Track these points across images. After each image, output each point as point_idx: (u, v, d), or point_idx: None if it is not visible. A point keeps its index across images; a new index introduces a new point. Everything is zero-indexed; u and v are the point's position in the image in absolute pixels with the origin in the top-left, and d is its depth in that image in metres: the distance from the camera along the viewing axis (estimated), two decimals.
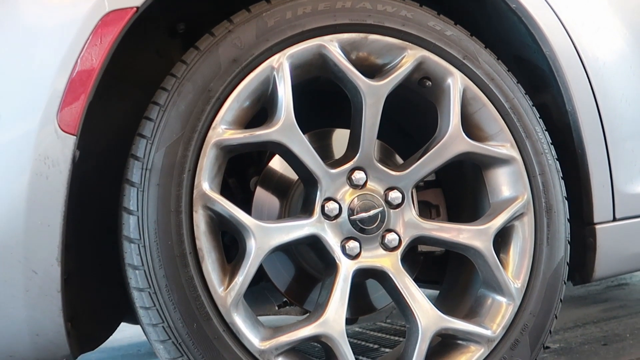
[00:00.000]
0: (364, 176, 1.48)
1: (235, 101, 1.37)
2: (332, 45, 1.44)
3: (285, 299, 1.78)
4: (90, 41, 1.26)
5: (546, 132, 1.59)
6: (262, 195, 1.62)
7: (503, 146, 1.55)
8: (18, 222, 1.22)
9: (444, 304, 1.63)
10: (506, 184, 1.56)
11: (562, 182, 1.59)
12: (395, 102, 1.51)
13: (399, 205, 1.50)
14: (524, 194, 1.54)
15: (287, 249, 1.63)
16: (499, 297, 1.53)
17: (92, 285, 1.51)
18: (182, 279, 1.30)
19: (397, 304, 1.51)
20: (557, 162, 1.59)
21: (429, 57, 1.51)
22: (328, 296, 1.42)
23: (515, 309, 1.52)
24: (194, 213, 1.33)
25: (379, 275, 1.49)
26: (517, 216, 1.54)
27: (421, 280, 1.80)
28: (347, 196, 1.47)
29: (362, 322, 2.73)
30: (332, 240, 1.45)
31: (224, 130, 1.36)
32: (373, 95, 1.45)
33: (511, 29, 1.66)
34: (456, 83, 1.52)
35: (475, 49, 1.55)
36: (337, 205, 1.45)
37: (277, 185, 1.63)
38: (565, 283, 1.58)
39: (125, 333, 2.50)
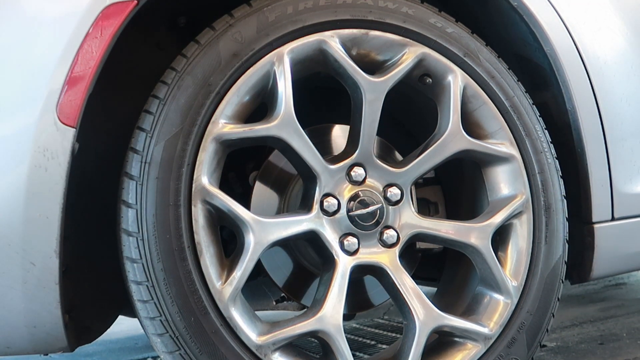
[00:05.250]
0: (363, 172, 1.48)
1: (235, 95, 1.37)
2: (333, 41, 1.44)
3: (283, 294, 1.78)
4: (91, 34, 1.26)
5: (546, 131, 1.59)
6: (261, 190, 1.62)
7: (502, 144, 1.55)
8: (17, 214, 1.22)
9: (442, 301, 1.63)
10: (505, 182, 1.56)
11: (561, 180, 1.59)
12: (395, 98, 1.51)
13: (397, 202, 1.50)
14: (522, 193, 1.55)
15: (285, 244, 1.63)
16: (496, 295, 1.53)
17: (90, 278, 1.51)
18: (180, 273, 1.30)
19: (395, 301, 1.51)
20: (557, 160, 1.59)
21: (430, 54, 1.51)
22: (326, 292, 1.42)
23: (513, 307, 1.52)
24: (192, 207, 1.33)
25: (377, 271, 1.49)
26: (516, 214, 1.54)
27: (419, 277, 1.81)
28: (346, 192, 1.47)
29: (359, 318, 2.73)
30: (331, 236, 1.45)
31: (223, 125, 1.36)
32: (373, 91, 1.45)
33: (512, 27, 1.66)
34: (456, 80, 1.51)
35: (476, 47, 1.55)
36: (336, 201, 1.45)
37: (276, 181, 1.63)
38: (562, 282, 1.58)
39: (123, 326, 2.50)
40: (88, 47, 1.26)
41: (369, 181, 1.49)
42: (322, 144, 1.65)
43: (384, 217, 1.48)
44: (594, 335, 2.26)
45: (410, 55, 1.49)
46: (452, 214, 1.73)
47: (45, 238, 1.24)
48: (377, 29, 1.48)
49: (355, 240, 1.46)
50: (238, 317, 1.35)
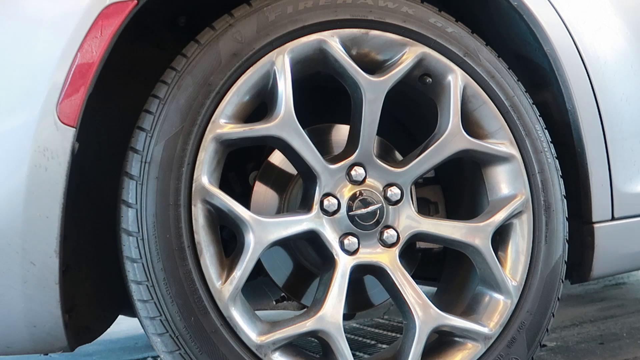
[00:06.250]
0: (363, 172, 1.48)
1: (235, 95, 1.37)
2: (333, 41, 1.44)
3: (283, 294, 1.78)
4: (91, 33, 1.26)
5: (546, 130, 1.59)
6: (261, 190, 1.62)
7: (502, 144, 1.55)
8: (17, 214, 1.22)
9: (442, 301, 1.63)
10: (505, 182, 1.56)
11: (561, 180, 1.59)
12: (395, 98, 1.51)
13: (397, 202, 1.50)
14: (522, 192, 1.54)
15: (285, 244, 1.63)
16: (496, 295, 1.53)
17: (90, 278, 1.51)
18: (180, 273, 1.30)
19: (395, 301, 1.51)
20: (557, 160, 1.59)
21: (430, 53, 1.51)
22: (326, 292, 1.42)
23: (513, 307, 1.52)
24: (192, 207, 1.33)
25: (377, 271, 1.49)
26: (516, 214, 1.54)
27: (419, 277, 1.81)
28: (346, 192, 1.47)
29: (359, 317, 2.73)
30: (331, 236, 1.45)
31: (223, 125, 1.36)
32: (373, 91, 1.45)
33: (512, 27, 1.66)
34: (456, 80, 1.51)
35: (476, 47, 1.55)
36: (336, 201, 1.45)
37: (276, 180, 1.63)
38: (562, 281, 1.58)
39: (123, 326, 2.50)
40: (88, 46, 1.26)
41: (369, 181, 1.49)
42: (322, 144, 1.65)
43: (384, 216, 1.48)
44: (594, 335, 2.26)
45: (410, 55, 1.49)
46: (452, 214, 1.73)
47: (45, 237, 1.24)
48: (377, 28, 1.48)
49: (355, 240, 1.46)
50: (238, 316, 1.35)
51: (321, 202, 1.45)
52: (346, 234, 1.46)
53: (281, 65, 1.39)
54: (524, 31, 1.64)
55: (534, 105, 1.59)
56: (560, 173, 1.59)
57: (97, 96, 1.29)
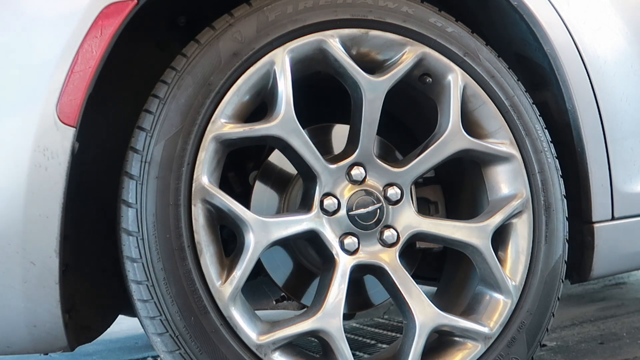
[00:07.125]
0: (363, 172, 1.48)
1: (235, 95, 1.37)
2: (333, 40, 1.44)
3: (283, 294, 1.78)
4: (91, 33, 1.26)
5: (546, 130, 1.59)
6: (261, 190, 1.62)
7: (502, 144, 1.55)
8: (17, 213, 1.22)
9: (442, 300, 1.63)
10: (505, 182, 1.57)
11: (561, 180, 1.59)
12: (395, 98, 1.51)
13: (397, 202, 1.50)
14: (522, 192, 1.55)
15: (285, 244, 1.63)
16: (496, 295, 1.53)
17: (90, 277, 1.51)
18: (180, 272, 1.30)
19: (395, 300, 1.51)
20: (557, 160, 1.59)
21: (430, 53, 1.51)
22: (326, 291, 1.42)
23: (513, 307, 1.52)
24: (192, 206, 1.33)
25: (377, 271, 1.49)
26: (516, 214, 1.54)
27: (419, 277, 1.81)
28: (346, 192, 1.47)
29: (359, 317, 2.73)
30: (331, 236, 1.45)
31: (223, 124, 1.36)
32: (373, 91, 1.45)
33: (512, 27, 1.66)
34: (456, 80, 1.52)
35: (476, 46, 1.55)
36: (336, 201, 1.45)
37: (276, 180, 1.63)
38: (562, 281, 1.58)
39: (123, 325, 2.50)
40: (88, 46, 1.26)
41: (369, 181, 1.49)
42: (322, 144, 1.65)
43: (384, 216, 1.48)
44: (594, 335, 2.26)
45: (410, 54, 1.49)
46: (452, 214, 1.73)
47: (45, 237, 1.24)
48: (377, 28, 1.48)
49: (355, 239, 1.46)
50: (238, 316, 1.35)
51: (321, 202, 1.45)
52: (346, 234, 1.46)
53: (281, 65, 1.39)
54: (524, 31, 1.64)
55: (534, 105, 1.59)
56: (560, 173, 1.59)
57: (97, 96, 1.29)
